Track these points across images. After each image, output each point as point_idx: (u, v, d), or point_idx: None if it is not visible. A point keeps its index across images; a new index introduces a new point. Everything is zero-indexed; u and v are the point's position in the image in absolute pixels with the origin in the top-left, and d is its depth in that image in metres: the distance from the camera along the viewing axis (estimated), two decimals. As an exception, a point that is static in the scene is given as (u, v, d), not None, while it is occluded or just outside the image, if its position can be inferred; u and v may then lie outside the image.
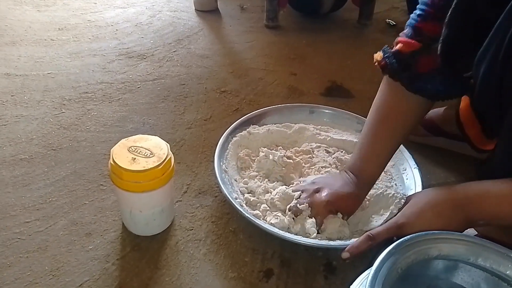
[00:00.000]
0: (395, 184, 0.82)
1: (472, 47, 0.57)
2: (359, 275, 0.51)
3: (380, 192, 0.78)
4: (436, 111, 0.95)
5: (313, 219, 0.72)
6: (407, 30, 0.67)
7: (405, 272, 0.47)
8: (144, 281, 0.67)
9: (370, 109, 0.74)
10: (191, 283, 0.67)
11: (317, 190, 0.74)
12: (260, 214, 0.75)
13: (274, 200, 0.75)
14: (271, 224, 0.72)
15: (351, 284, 0.50)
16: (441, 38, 0.60)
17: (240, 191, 0.80)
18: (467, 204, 0.57)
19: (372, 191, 0.78)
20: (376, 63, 0.70)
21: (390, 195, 0.78)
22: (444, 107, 0.94)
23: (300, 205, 0.72)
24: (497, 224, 0.60)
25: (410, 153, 0.85)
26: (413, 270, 0.48)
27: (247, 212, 0.73)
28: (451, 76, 0.64)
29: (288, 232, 0.71)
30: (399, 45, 0.67)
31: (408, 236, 0.48)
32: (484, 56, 0.55)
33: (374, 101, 0.74)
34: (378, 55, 0.70)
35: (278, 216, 0.73)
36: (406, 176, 0.82)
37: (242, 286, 0.67)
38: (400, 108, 0.70)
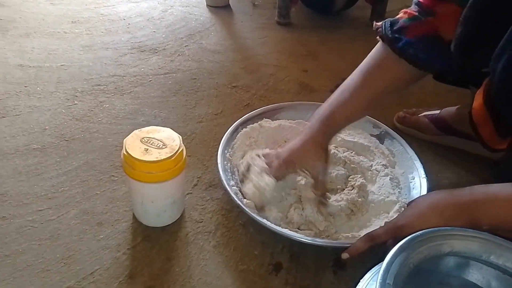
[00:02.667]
0: (398, 191, 0.80)
1: (487, 45, 0.57)
2: (368, 271, 0.51)
3: (382, 199, 0.78)
4: (448, 110, 0.94)
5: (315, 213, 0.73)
6: (411, 6, 0.71)
7: (416, 268, 0.46)
8: (154, 271, 0.67)
9: (355, 70, 0.76)
10: (201, 274, 0.67)
11: (278, 155, 0.76)
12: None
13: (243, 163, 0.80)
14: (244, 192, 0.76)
15: (360, 279, 0.50)
16: (455, 36, 0.60)
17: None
18: (473, 208, 0.55)
19: (373, 197, 0.78)
20: (373, 28, 0.74)
21: (391, 201, 0.77)
22: (457, 106, 0.93)
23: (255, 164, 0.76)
24: (502, 230, 0.56)
25: (421, 162, 0.82)
26: (425, 266, 0.48)
27: (240, 200, 0.73)
28: (436, 49, 0.66)
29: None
30: (399, 14, 0.71)
31: (420, 232, 0.48)
32: (503, 51, 0.54)
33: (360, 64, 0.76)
34: (380, 23, 0.74)
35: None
36: (413, 185, 0.80)
37: (251, 279, 0.67)
38: (382, 67, 0.72)
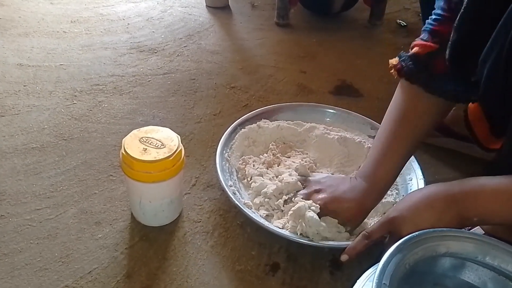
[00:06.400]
0: (396, 193, 0.81)
1: (479, 52, 0.57)
2: (364, 271, 0.51)
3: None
4: (445, 112, 0.94)
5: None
6: (423, 35, 0.66)
7: (412, 268, 0.47)
8: (152, 270, 0.68)
9: (385, 114, 0.72)
10: (198, 274, 0.68)
11: (318, 190, 0.73)
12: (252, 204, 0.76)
13: (270, 189, 0.75)
14: (262, 216, 0.74)
15: (357, 280, 0.51)
16: (449, 43, 0.60)
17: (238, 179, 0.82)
18: (461, 199, 0.55)
19: None
20: (391, 68, 0.69)
21: (388, 202, 0.78)
22: (453, 108, 0.93)
23: (294, 198, 0.73)
24: (492, 222, 0.57)
25: (419, 163, 0.83)
26: (420, 267, 0.48)
27: (238, 200, 0.73)
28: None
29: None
30: (415, 49, 0.66)
31: (416, 233, 0.48)
32: (489, 55, 0.55)
33: (389, 106, 0.72)
34: (394, 60, 0.69)
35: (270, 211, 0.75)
36: (411, 186, 0.80)
37: (249, 279, 0.68)
38: (417, 110, 0.68)
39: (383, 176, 0.71)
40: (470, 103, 0.79)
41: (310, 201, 0.71)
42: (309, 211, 0.69)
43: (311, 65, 1.30)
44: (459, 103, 0.69)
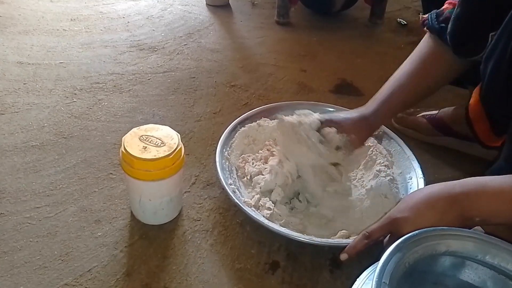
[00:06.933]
0: (396, 191, 0.80)
1: (482, 32, 0.58)
2: (364, 270, 0.51)
3: (380, 200, 0.78)
4: (446, 111, 0.95)
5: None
6: None
7: (412, 267, 0.47)
8: (151, 268, 0.68)
9: (406, 60, 0.78)
10: (198, 272, 0.68)
11: (331, 115, 0.79)
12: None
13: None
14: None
15: (357, 278, 0.51)
16: (452, 16, 0.61)
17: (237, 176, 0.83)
18: (463, 199, 0.55)
19: (372, 198, 0.78)
20: (420, 20, 0.77)
21: (388, 201, 0.77)
22: (454, 107, 0.94)
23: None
24: (494, 222, 0.57)
25: (419, 162, 0.83)
26: (420, 266, 0.48)
27: (238, 198, 0.73)
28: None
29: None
30: (445, 5, 0.74)
31: (416, 231, 0.48)
32: (492, 53, 0.55)
33: (410, 55, 0.79)
34: (425, 15, 0.77)
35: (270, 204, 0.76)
36: (411, 185, 0.81)
37: (248, 277, 0.68)
38: (435, 58, 0.75)
39: (393, 103, 0.78)
40: (471, 99, 0.79)
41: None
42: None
43: (311, 64, 1.30)
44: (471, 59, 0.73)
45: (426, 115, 0.98)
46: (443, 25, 0.72)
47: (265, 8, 1.66)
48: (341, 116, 0.79)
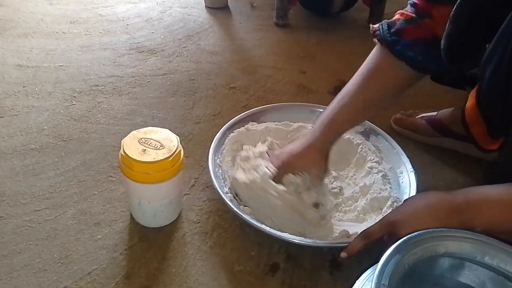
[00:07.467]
0: (389, 187, 0.81)
1: (477, 46, 0.58)
2: (364, 271, 0.51)
3: (374, 197, 0.78)
4: (445, 112, 0.95)
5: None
6: (407, 7, 0.72)
7: (411, 269, 0.47)
8: (151, 271, 0.68)
9: (356, 73, 0.76)
10: (197, 274, 0.68)
11: (278, 156, 0.77)
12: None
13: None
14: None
15: (357, 280, 0.51)
16: (444, 34, 0.61)
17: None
18: (465, 209, 0.55)
19: (366, 195, 0.79)
20: (371, 31, 0.75)
21: (383, 197, 0.78)
22: (452, 108, 0.94)
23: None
24: (496, 232, 0.55)
25: (408, 156, 0.83)
26: (419, 268, 0.48)
27: (237, 207, 0.73)
28: (434, 51, 0.67)
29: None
30: (396, 16, 0.72)
31: (415, 233, 0.48)
32: (491, 58, 0.55)
33: (360, 67, 0.76)
34: (376, 25, 0.75)
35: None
36: (402, 179, 0.81)
37: (248, 279, 0.68)
38: (383, 71, 0.73)
39: (339, 125, 0.75)
40: (468, 102, 0.79)
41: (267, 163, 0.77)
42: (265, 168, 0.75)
43: (310, 65, 1.30)
44: (424, 74, 0.73)
45: (425, 116, 0.98)
46: (395, 38, 0.70)
47: (264, 9, 1.66)
48: (288, 154, 0.76)
